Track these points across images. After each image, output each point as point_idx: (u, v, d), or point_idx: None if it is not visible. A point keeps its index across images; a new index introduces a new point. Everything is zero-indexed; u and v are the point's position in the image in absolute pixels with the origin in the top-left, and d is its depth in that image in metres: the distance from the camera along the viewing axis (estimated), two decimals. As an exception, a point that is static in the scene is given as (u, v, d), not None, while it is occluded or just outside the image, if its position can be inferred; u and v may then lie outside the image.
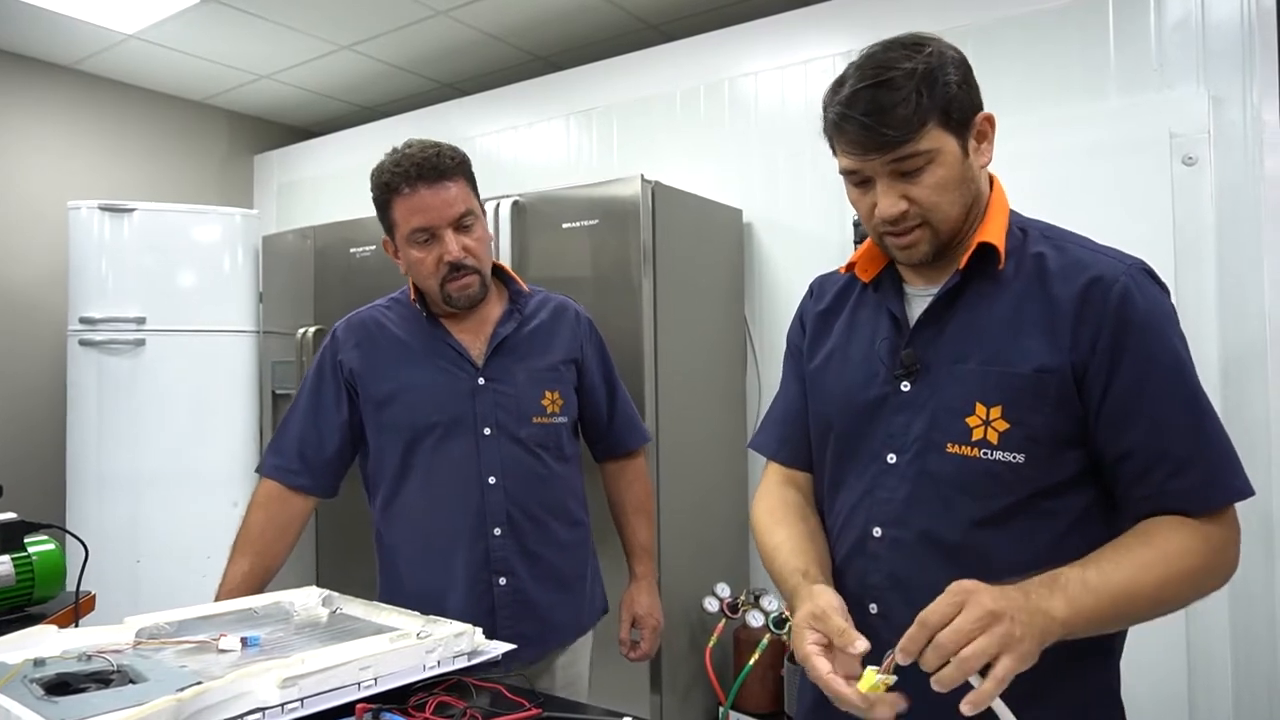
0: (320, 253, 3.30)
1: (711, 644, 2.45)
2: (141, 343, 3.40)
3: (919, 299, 1.10)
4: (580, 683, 1.70)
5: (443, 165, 1.46)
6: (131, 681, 0.98)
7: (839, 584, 1.09)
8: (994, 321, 1.03)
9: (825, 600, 0.97)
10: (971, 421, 1.01)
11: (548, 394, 1.59)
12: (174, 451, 3.42)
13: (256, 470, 1.60)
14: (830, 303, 1.22)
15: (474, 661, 1.16)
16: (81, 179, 3.92)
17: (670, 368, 2.51)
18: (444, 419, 1.53)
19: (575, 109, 3.50)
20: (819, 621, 0.95)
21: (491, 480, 1.53)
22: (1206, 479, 0.97)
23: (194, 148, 4.40)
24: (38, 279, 3.78)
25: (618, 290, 2.44)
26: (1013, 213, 1.10)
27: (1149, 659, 2.23)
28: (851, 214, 2.67)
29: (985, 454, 1.00)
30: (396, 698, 1.05)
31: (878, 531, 1.07)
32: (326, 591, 1.39)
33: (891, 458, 1.07)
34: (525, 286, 1.66)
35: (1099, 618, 0.90)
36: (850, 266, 1.18)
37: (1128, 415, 0.98)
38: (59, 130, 3.91)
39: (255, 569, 1.49)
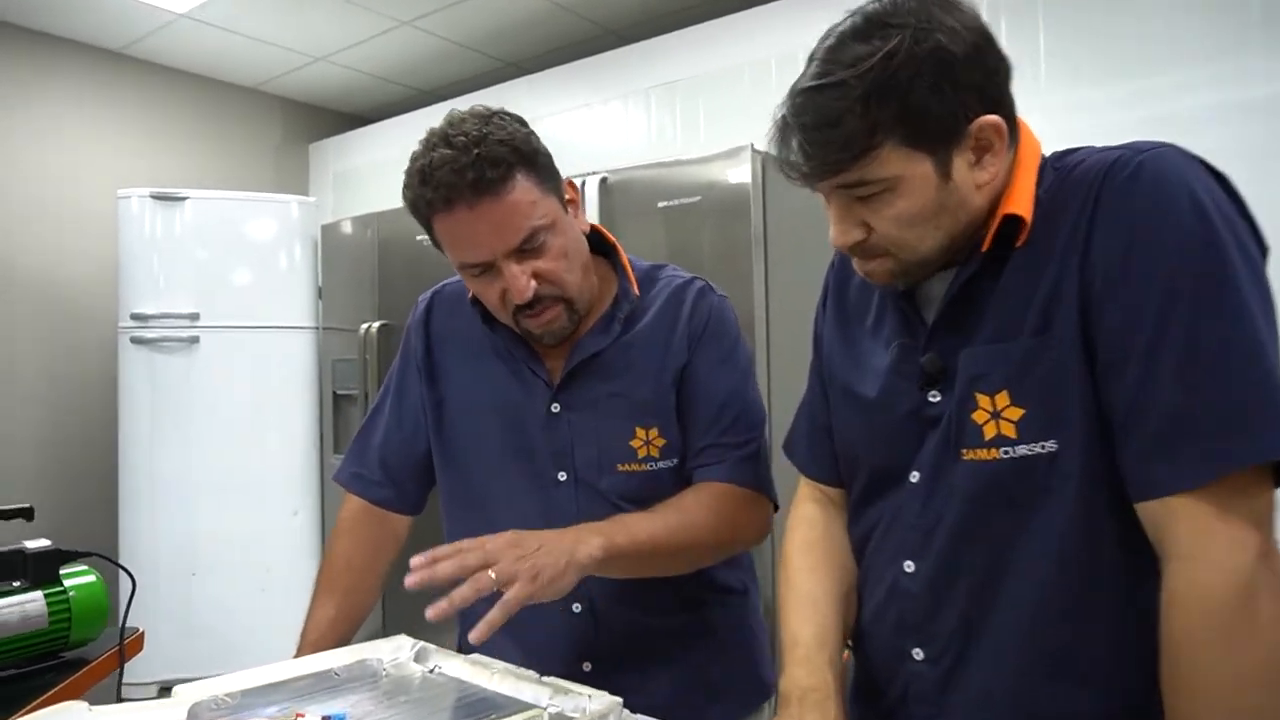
0: (384, 243, 3.09)
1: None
2: (195, 340, 3.22)
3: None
4: None
5: (486, 176, 1.02)
6: (184, 797, 0.71)
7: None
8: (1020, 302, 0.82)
9: None
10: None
11: (640, 431, 1.15)
12: (230, 455, 3.24)
13: (334, 479, 1.33)
14: (852, 306, 1.02)
15: (622, 751, 0.89)
16: (130, 168, 3.75)
17: (785, 363, 2.22)
18: (504, 459, 1.17)
19: (655, 83, 3.22)
20: None
21: None
22: None
23: (247, 136, 4.23)
24: (86, 273, 3.63)
25: (724, 277, 2.15)
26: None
27: None
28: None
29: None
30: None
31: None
32: (419, 643, 1.12)
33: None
34: (634, 282, 1.20)
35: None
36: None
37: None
38: (107, 117, 3.75)
39: (343, 612, 1.20)
